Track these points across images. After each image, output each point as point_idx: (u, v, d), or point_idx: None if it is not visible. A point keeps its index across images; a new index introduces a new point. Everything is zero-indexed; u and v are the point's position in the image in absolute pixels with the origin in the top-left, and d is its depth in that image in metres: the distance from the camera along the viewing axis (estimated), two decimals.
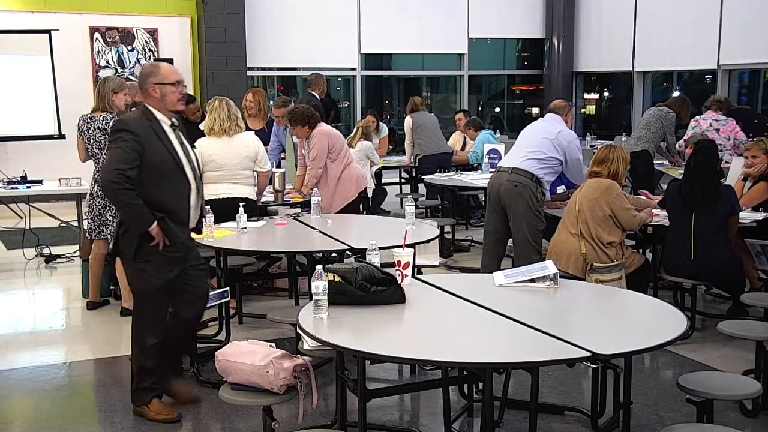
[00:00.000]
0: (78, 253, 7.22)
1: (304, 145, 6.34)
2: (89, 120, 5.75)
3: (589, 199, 5.01)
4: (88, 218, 5.92)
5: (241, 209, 5.02)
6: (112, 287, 6.29)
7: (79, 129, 5.81)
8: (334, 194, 6.20)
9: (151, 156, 3.80)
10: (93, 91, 10.82)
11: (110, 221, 5.77)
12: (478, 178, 7.81)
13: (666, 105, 8.24)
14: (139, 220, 3.80)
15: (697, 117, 7.94)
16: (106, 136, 5.64)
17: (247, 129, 6.30)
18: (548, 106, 6.02)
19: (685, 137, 7.93)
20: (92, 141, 5.74)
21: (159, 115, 3.89)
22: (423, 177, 8.56)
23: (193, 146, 4.20)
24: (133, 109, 6.15)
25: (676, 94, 10.73)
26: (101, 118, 5.70)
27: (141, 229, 3.80)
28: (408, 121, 9.34)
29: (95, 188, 5.80)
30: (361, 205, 6.56)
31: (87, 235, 6.00)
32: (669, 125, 8.00)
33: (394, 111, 14.32)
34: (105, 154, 5.67)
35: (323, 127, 6.26)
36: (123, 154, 3.73)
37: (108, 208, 5.76)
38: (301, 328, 3.10)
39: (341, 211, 6.15)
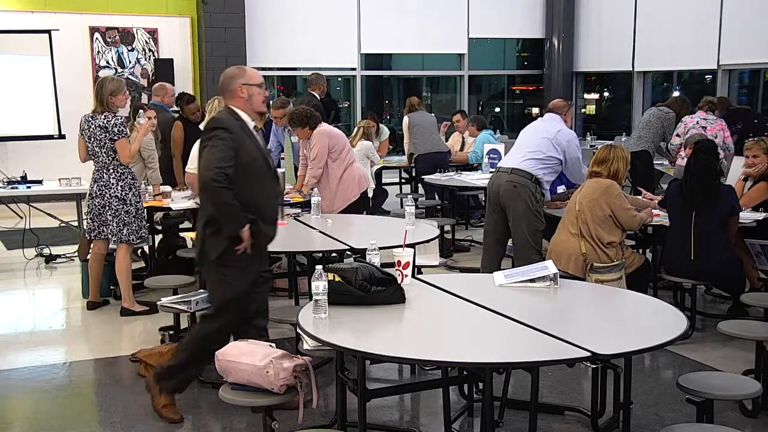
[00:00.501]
0: (77, 253, 7.21)
1: (306, 145, 6.33)
2: (90, 119, 5.73)
3: (589, 199, 5.01)
4: (87, 218, 5.92)
5: None
6: (112, 287, 6.28)
7: (80, 128, 5.80)
8: (336, 194, 6.19)
9: (243, 155, 3.77)
10: (93, 91, 10.87)
11: (110, 221, 5.76)
12: (477, 178, 7.81)
13: (666, 105, 8.24)
14: (235, 221, 3.72)
15: (685, 117, 7.94)
16: (107, 134, 5.64)
17: None
18: (547, 106, 6.02)
19: (675, 135, 7.93)
20: (92, 139, 5.70)
21: (244, 116, 3.88)
22: (422, 177, 8.56)
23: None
24: (141, 111, 6.14)
25: (676, 94, 10.73)
26: (102, 117, 5.67)
27: (235, 230, 3.71)
28: (405, 120, 9.37)
29: (94, 188, 5.79)
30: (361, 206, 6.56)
31: (86, 235, 6.00)
32: (669, 125, 8.00)
33: (394, 111, 14.32)
34: (104, 152, 5.69)
35: (324, 127, 6.25)
36: (221, 152, 3.68)
37: (107, 208, 5.75)
38: (301, 328, 3.10)
39: (343, 212, 6.14)
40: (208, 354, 3.63)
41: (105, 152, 5.69)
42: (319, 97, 8.15)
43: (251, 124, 3.91)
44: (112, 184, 5.73)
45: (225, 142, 3.70)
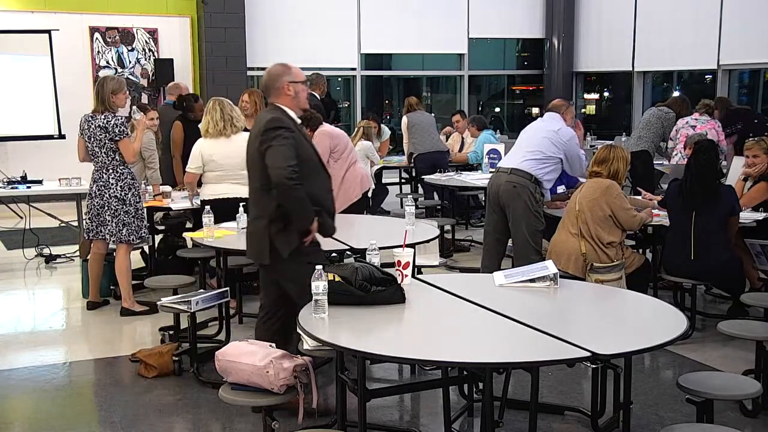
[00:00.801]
0: (78, 253, 7.21)
1: None
2: (90, 118, 5.71)
3: (589, 199, 5.01)
4: (86, 218, 5.92)
5: (241, 209, 5.01)
6: (112, 287, 6.28)
7: (80, 128, 5.79)
8: (338, 194, 6.17)
9: (302, 152, 3.82)
10: (93, 91, 10.87)
11: (109, 221, 5.75)
12: (478, 178, 7.81)
13: (666, 105, 8.25)
14: (306, 216, 3.78)
15: (678, 121, 7.98)
16: (107, 134, 5.63)
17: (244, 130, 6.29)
18: (548, 105, 6.02)
19: (669, 139, 8.00)
20: (92, 139, 5.69)
21: (291, 114, 3.91)
22: (422, 177, 8.56)
23: None
24: (134, 107, 6.15)
25: (676, 94, 10.73)
26: (102, 117, 5.66)
27: (306, 225, 3.78)
28: (404, 120, 9.38)
29: (94, 188, 5.78)
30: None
31: (85, 235, 5.99)
32: (669, 125, 8.01)
33: (394, 111, 14.32)
34: (104, 153, 5.68)
35: (325, 127, 6.25)
36: (288, 150, 3.72)
37: (106, 208, 5.75)
38: (301, 328, 3.10)
39: (345, 211, 6.13)
40: None
41: (105, 152, 5.68)
42: (319, 97, 8.15)
43: (298, 121, 3.96)
44: (112, 184, 5.72)
45: (288, 140, 3.74)
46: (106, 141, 5.65)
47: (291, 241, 3.79)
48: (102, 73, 10.97)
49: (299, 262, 3.78)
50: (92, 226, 5.84)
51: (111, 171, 5.73)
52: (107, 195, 5.73)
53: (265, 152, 3.73)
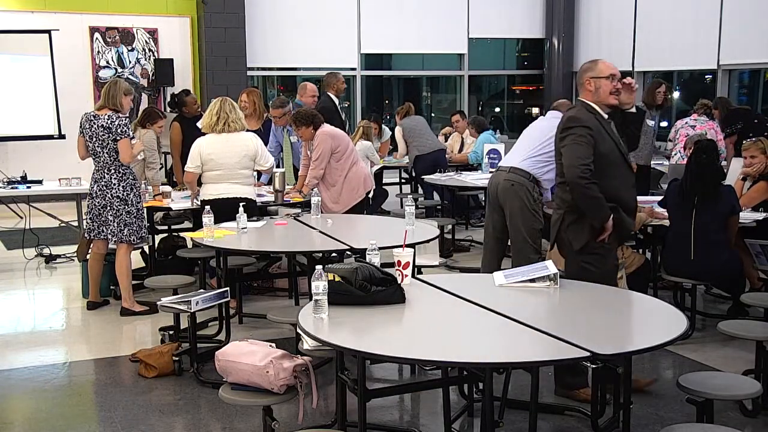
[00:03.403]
0: (76, 254, 7.21)
1: (309, 145, 6.33)
2: (92, 117, 5.68)
3: None
4: (87, 218, 5.91)
5: (241, 209, 5.02)
6: (112, 287, 6.29)
7: (81, 126, 5.76)
8: (340, 195, 6.18)
9: (601, 147, 3.91)
10: (93, 91, 10.88)
11: (111, 221, 5.75)
12: (478, 178, 7.80)
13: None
14: (601, 212, 3.88)
15: (677, 122, 8.00)
16: (110, 134, 5.61)
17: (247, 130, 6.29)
18: (551, 105, 6.00)
19: (668, 140, 8.03)
20: (94, 139, 5.66)
21: (597, 108, 4.01)
22: (422, 177, 8.56)
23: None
24: (136, 134, 6.10)
25: (676, 94, 10.73)
26: (106, 117, 5.62)
27: (602, 221, 3.88)
28: (398, 130, 9.39)
29: (95, 188, 5.77)
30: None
31: (86, 235, 5.99)
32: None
33: (394, 111, 14.31)
34: (107, 153, 5.67)
35: (327, 128, 6.25)
36: (582, 149, 3.85)
37: (108, 208, 5.74)
38: (301, 328, 3.09)
39: (347, 212, 6.14)
40: None
41: (107, 152, 5.67)
42: (335, 98, 8.06)
43: (605, 115, 4.03)
44: (114, 184, 5.71)
45: (583, 138, 3.87)
46: (110, 141, 5.63)
47: (583, 236, 3.94)
48: (102, 73, 10.99)
49: (583, 259, 3.94)
50: (93, 225, 5.83)
51: (113, 171, 5.71)
52: (109, 195, 5.71)
53: (561, 150, 3.94)
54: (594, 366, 3.68)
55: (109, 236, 5.82)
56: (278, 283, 6.56)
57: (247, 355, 3.29)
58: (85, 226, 6.04)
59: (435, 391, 4.20)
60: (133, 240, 5.84)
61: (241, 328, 5.55)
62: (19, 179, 7.51)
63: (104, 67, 11.03)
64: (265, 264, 6.45)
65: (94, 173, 5.82)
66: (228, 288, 4.83)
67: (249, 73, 11.53)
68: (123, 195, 5.73)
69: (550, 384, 4.44)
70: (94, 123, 5.66)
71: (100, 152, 5.69)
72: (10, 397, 4.50)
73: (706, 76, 11.76)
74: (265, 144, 7.10)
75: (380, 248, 3.64)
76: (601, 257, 3.99)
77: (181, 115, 7.69)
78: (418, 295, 3.51)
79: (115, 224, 5.75)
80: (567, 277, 3.98)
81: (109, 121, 5.62)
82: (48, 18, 10.45)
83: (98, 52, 11.00)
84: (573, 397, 4.17)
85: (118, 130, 5.62)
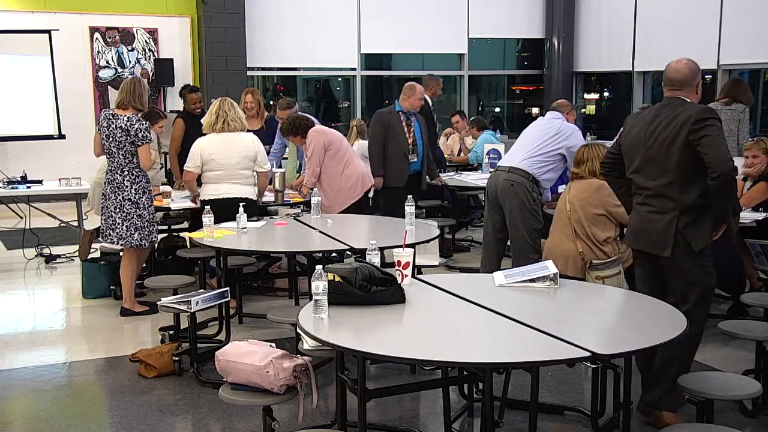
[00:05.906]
0: (77, 253, 7.21)
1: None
2: (111, 117, 5.55)
3: (580, 199, 4.99)
4: (101, 219, 5.77)
5: (241, 209, 5.02)
6: (112, 287, 6.29)
7: (99, 124, 5.67)
8: (338, 193, 6.16)
9: None
10: (93, 91, 10.88)
11: (119, 224, 5.61)
12: (478, 178, 7.81)
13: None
14: (730, 210, 3.85)
15: None
16: (128, 137, 5.52)
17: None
18: (551, 105, 6.01)
19: None
20: (111, 139, 5.54)
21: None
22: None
23: None
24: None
25: None
26: (125, 119, 5.51)
27: (727, 219, 3.84)
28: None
29: (107, 189, 5.66)
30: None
31: (101, 238, 5.84)
32: None
33: None
34: (122, 154, 5.55)
35: (317, 126, 6.26)
36: (725, 142, 3.75)
37: (118, 210, 5.59)
38: (301, 328, 3.10)
39: (346, 210, 6.13)
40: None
41: (122, 154, 5.55)
42: (431, 101, 8.01)
43: None
44: (126, 186, 5.60)
45: (722, 131, 3.76)
46: (126, 143, 5.52)
47: (704, 236, 3.78)
48: (102, 73, 10.98)
49: (701, 262, 3.81)
50: (103, 228, 5.74)
51: (126, 173, 5.60)
52: (121, 197, 5.60)
53: (699, 141, 3.67)
54: (594, 366, 3.69)
55: (116, 240, 5.69)
56: (278, 283, 6.56)
57: (247, 355, 3.29)
58: (100, 225, 5.87)
59: (435, 391, 4.20)
60: (144, 245, 5.75)
61: (241, 328, 5.55)
62: (19, 179, 7.52)
63: (104, 67, 11.02)
64: (265, 264, 6.46)
65: (106, 174, 5.72)
66: (228, 288, 4.83)
67: (249, 73, 11.53)
68: (135, 198, 5.62)
69: (550, 384, 4.44)
70: (113, 123, 5.54)
71: (115, 153, 5.58)
72: (10, 397, 4.50)
73: (706, 76, 11.74)
74: (271, 143, 7.13)
75: (380, 248, 3.64)
76: (710, 258, 3.88)
77: (186, 111, 7.65)
78: (418, 295, 3.51)
79: (124, 228, 5.63)
80: (688, 284, 3.82)
81: (128, 124, 5.51)
82: (48, 18, 10.45)
83: (98, 52, 11.00)
84: (657, 417, 3.86)
85: (139, 135, 5.51)
